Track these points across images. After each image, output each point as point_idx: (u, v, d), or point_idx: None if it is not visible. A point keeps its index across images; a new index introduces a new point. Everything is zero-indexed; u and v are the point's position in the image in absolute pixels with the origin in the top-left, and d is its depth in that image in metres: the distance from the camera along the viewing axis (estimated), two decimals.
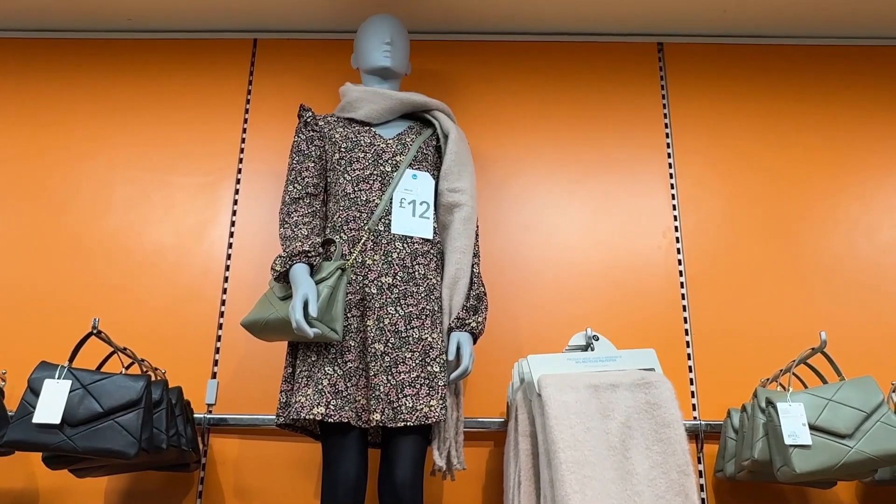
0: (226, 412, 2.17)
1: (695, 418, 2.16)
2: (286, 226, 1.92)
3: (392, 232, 1.90)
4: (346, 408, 1.73)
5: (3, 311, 2.28)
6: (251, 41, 2.61)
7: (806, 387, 1.98)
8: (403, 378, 1.76)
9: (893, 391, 2.01)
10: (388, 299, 1.82)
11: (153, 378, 1.97)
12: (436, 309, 1.86)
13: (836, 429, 1.70)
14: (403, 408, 1.73)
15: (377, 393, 1.73)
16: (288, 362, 1.86)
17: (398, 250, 1.88)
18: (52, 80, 2.57)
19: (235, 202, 2.41)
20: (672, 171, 2.45)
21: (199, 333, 2.25)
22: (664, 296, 2.29)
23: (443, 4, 2.48)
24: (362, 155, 1.98)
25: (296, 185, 1.98)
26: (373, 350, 1.77)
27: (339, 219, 1.93)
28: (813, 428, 1.71)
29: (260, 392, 2.19)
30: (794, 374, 2.02)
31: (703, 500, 2.10)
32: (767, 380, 2.03)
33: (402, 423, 1.72)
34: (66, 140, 2.49)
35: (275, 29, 2.61)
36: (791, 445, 1.68)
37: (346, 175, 1.97)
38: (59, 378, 1.74)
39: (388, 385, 1.74)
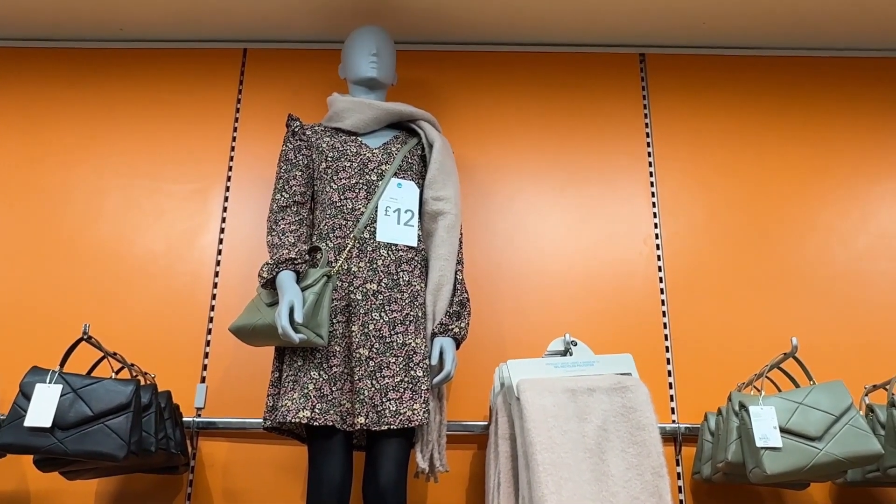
0: (214, 416, 2.20)
1: (673, 421, 2.20)
2: (273, 233, 1.96)
3: (377, 239, 1.94)
4: (332, 411, 1.77)
5: None
6: (241, 51, 2.65)
7: (780, 391, 2.02)
8: (387, 382, 1.79)
9: (866, 395, 2.04)
10: (373, 305, 1.86)
11: (142, 382, 2.00)
12: (419, 315, 1.90)
13: (806, 431, 1.74)
14: (387, 411, 1.77)
15: (362, 397, 1.77)
16: (275, 367, 1.90)
17: (383, 257, 1.92)
18: (43, 88, 2.60)
19: (225, 209, 2.45)
20: (653, 179, 2.50)
21: (189, 338, 2.29)
22: (644, 302, 2.34)
23: (429, 16, 2.52)
24: (349, 164, 2.02)
25: (283, 193, 2.02)
26: (357, 355, 1.81)
27: (326, 226, 1.97)
28: (784, 431, 1.75)
29: (248, 396, 2.22)
30: (768, 378, 2.06)
31: (681, 501, 2.15)
32: (743, 384, 2.08)
33: (386, 427, 1.75)
34: (57, 148, 2.53)
35: (264, 39, 2.65)
36: (762, 448, 1.73)
37: (332, 184, 2.01)
38: (50, 382, 1.77)
39: (373, 389, 1.78)
